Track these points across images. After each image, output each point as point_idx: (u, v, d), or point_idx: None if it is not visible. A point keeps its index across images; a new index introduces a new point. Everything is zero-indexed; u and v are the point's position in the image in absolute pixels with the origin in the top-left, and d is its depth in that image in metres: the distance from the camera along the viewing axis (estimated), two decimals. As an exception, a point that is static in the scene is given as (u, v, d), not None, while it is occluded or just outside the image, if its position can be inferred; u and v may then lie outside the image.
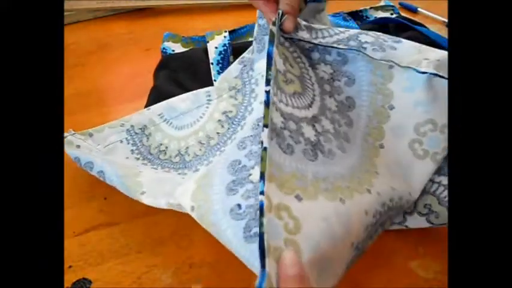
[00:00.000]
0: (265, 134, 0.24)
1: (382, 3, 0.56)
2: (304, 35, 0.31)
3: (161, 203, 0.28)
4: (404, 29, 0.48)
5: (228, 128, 0.34)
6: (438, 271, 0.29)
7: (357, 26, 0.48)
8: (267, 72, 0.26)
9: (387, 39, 0.33)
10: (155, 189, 0.29)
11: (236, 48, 0.47)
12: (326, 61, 0.31)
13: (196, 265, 0.30)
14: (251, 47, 0.39)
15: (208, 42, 0.48)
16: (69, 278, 0.29)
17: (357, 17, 0.53)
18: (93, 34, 0.56)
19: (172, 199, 0.28)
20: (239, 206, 0.24)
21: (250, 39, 0.51)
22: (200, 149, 0.34)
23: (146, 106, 0.41)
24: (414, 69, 0.28)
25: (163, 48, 0.49)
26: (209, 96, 0.37)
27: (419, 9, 0.57)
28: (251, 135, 0.29)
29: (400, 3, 0.58)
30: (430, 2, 0.58)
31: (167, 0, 0.60)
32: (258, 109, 0.33)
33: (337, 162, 0.27)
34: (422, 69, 0.28)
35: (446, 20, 0.54)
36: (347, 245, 0.23)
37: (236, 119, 0.34)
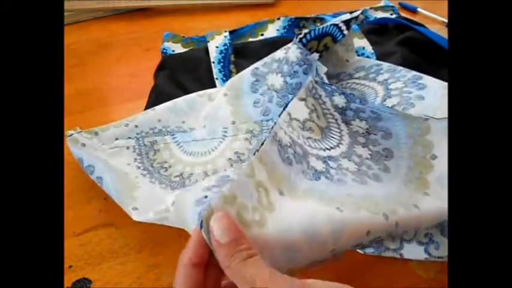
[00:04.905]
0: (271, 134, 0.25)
1: (381, 4, 0.56)
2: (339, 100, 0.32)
3: (149, 216, 0.28)
4: (404, 29, 0.48)
5: None
6: (438, 271, 0.29)
7: (356, 27, 0.48)
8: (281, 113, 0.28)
9: (411, 89, 0.35)
10: (147, 205, 0.30)
11: (236, 48, 0.47)
12: (361, 117, 0.31)
13: (196, 265, 0.30)
14: (265, 59, 0.39)
15: (208, 42, 0.48)
16: (69, 278, 0.29)
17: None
18: (93, 34, 0.56)
19: (160, 206, 0.28)
20: (205, 196, 0.24)
21: (250, 39, 0.51)
22: (203, 179, 0.34)
23: (146, 106, 0.41)
24: None
25: (164, 49, 0.49)
26: (226, 131, 0.37)
27: (419, 9, 0.57)
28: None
29: (399, 4, 0.58)
30: (429, 2, 0.58)
31: (167, 0, 0.60)
32: None
33: (346, 188, 0.26)
34: None
35: (446, 20, 0.54)
36: (326, 249, 0.22)
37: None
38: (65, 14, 0.57)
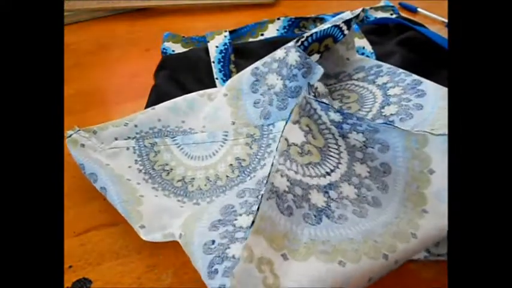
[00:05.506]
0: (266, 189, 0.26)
1: (381, 4, 0.56)
2: (335, 117, 0.32)
3: (157, 237, 0.29)
4: (404, 29, 0.48)
5: (238, 176, 0.34)
6: (438, 271, 0.29)
7: (357, 26, 0.48)
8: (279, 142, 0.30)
9: (410, 96, 0.35)
10: (153, 223, 0.30)
11: (236, 48, 0.47)
12: (358, 130, 0.31)
13: (196, 265, 0.30)
14: (266, 58, 0.39)
15: (208, 42, 0.48)
16: (69, 278, 0.29)
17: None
18: (93, 34, 0.56)
19: (167, 230, 0.29)
20: (213, 241, 0.26)
21: (250, 39, 0.51)
22: (205, 185, 0.34)
23: (146, 106, 0.41)
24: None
25: (164, 49, 0.49)
26: (226, 135, 0.37)
27: (419, 9, 0.57)
28: (252, 188, 0.31)
29: (400, 4, 0.58)
30: (430, 2, 0.58)
31: (167, 0, 0.60)
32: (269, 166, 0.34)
33: (347, 226, 0.27)
34: None
35: (446, 20, 0.54)
36: None
37: (247, 170, 0.34)
38: (65, 14, 0.57)
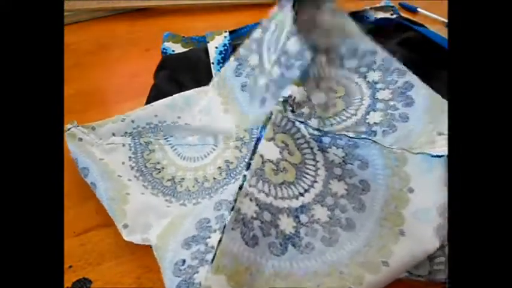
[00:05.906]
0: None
1: (382, 4, 0.56)
2: (313, 124, 0.31)
3: (138, 238, 0.30)
4: (404, 30, 0.48)
5: (224, 178, 0.34)
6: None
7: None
8: (250, 157, 0.29)
9: (398, 103, 0.34)
10: (138, 221, 0.30)
11: (236, 48, 0.47)
12: (338, 145, 0.30)
13: (196, 265, 0.30)
14: (245, 42, 0.41)
15: (208, 42, 0.48)
16: (69, 278, 0.29)
17: (358, 18, 0.53)
18: (93, 34, 0.56)
19: (147, 233, 0.30)
20: (183, 261, 0.26)
21: (250, 39, 0.51)
22: (193, 186, 0.34)
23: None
24: (428, 154, 0.27)
25: (164, 49, 0.49)
26: (216, 143, 0.37)
27: (419, 9, 0.57)
28: (229, 201, 0.30)
29: (400, 4, 0.58)
30: (430, 2, 0.58)
31: (167, 0, 0.60)
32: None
33: (313, 257, 0.27)
34: (436, 153, 0.27)
35: (446, 20, 0.54)
36: None
37: (234, 173, 0.34)
38: (65, 14, 0.57)
